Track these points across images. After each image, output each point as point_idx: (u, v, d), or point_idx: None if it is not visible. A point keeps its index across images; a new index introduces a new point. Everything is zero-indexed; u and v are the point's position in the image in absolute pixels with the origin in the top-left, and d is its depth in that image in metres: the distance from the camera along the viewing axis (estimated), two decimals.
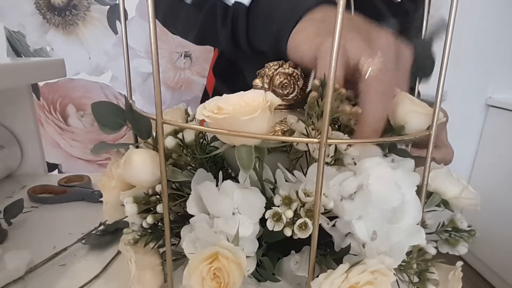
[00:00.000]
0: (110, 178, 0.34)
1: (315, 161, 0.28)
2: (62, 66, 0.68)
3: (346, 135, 0.30)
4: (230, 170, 0.34)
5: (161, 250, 0.35)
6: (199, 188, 0.28)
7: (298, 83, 0.34)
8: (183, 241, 0.29)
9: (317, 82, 0.26)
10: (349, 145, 0.28)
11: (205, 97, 0.81)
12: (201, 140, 0.33)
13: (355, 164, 0.28)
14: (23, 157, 0.73)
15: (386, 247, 0.25)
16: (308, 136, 0.28)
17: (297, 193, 0.25)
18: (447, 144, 0.50)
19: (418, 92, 0.38)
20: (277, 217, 0.25)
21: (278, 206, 0.26)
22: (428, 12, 0.36)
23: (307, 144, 0.29)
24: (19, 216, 0.51)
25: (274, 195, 0.27)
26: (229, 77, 0.72)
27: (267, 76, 0.33)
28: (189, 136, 0.31)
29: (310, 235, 0.24)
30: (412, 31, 0.71)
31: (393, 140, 0.31)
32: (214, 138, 0.33)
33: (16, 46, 1.49)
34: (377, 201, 0.25)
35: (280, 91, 0.33)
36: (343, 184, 0.25)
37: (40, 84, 1.53)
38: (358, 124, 0.29)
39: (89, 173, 0.70)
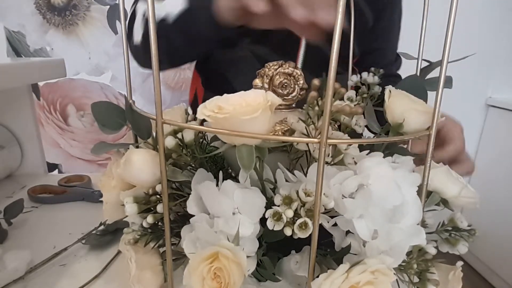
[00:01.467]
0: (110, 178, 0.34)
1: (316, 161, 0.28)
2: (62, 66, 0.68)
3: (346, 135, 0.30)
4: (230, 170, 0.34)
5: (161, 250, 0.35)
6: (199, 188, 0.28)
7: (298, 83, 0.34)
8: (183, 241, 0.29)
9: (317, 82, 0.26)
10: (349, 145, 0.28)
11: (195, 104, 0.82)
12: (201, 140, 0.33)
13: (355, 163, 0.28)
14: (23, 157, 0.73)
15: (387, 246, 0.25)
16: (308, 136, 0.28)
17: (297, 192, 0.25)
18: (468, 158, 0.54)
19: None
20: (277, 217, 0.25)
21: (279, 206, 0.26)
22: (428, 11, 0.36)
23: (307, 144, 0.29)
24: (19, 216, 0.51)
25: (275, 195, 0.27)
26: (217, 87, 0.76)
27: (267, 76, 0.33)
28: (189, 136, 0.31)
29: (310, 235, 0.24)
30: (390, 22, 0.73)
31: (393, 140, 0.31)
32: (214, 138, 0.33)
33: (16, 46, 1.49)
34: (378, 200, 0.25)
35: (280, 91, 0.33)
36: (344, 183, 0.25)
37: (40, 84, 1.53)
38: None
39: (89, 173, 0.70)
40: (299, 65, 0.69)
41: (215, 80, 0.77)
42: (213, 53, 0.75)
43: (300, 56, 0.68)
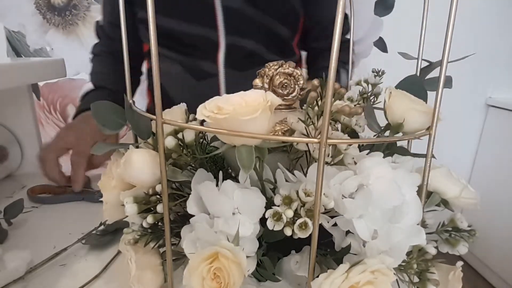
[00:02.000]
0: (110, 178, 0.34)
1: (315, 161, 0.28)
2: (62, 66, 0.68)
3: (346, 135, 0.30)
4: (230, 170, 0.34)
5: (161, 250, 0.34)
6: (199, 188, 0.28)
7: (298, 83, 0.34)
8: (183, 241, 0.29)
9: (316, 82, 0.26)
10: (349, 145, 0.28)
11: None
12: (201, 140, 0.33)
13: (355, 163, 0.28)
14: (23, 157, 0.73)
15: (387, 246, 0.25)
16: (308, 136, 0.28)
17: (297, 192, 0.25)
18: None
19: None
20: (277, 217, 0.25)
21: (279, 206, 0.26)
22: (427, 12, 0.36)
23: (307, 144, 0.29)
24: (19, 216, 0.51)
25: (274, 195, 0.27)
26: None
27: (267, 76, 0.33)
28: (189, 136, 0.31)
29: (310, 235, 0.24)
30: None
31: (392, 140, 0.31)
32: (214, 138, 0.33)
33: (16, 46, 1.49)
34: (378, 200, 0.25)
35: (280, 91, 0.33)
36: (344, 183, 0.25)
37: (40, 84, 1.53)
38: None
39: (89, 173, 0.70)
40: (221, 64, 0.72)
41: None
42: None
43: (220, 57, 0.72)
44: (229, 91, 0.74)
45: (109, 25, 0.80)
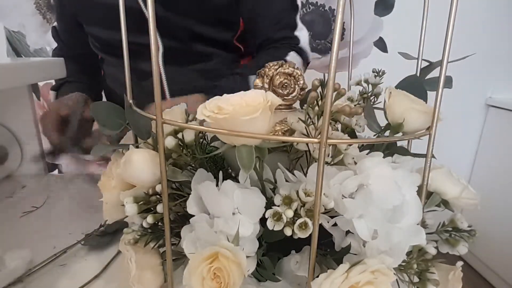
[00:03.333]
0: (110, 178, 0.34)
1: (316, 161, 0.28)
2: (62, 66, 0.68)
3: (346, 135, 0.30)
4: (230, 170, 0.34)
5: (161, 250, 0.35)
6: (199, 188, 0.28)
7: (298, 83, 0.34)
8: (183, 241, 0.29)
9: (316, 82, 0.26)
10: (349, 145, 0.28)
11: None
12: (201, 140, 0.33)
13: (355, 163, 0.28)
14: (23, 157, 0.73)
15: (387, 246, 0.25)
16: (308, 136, 0.28)
17: (297, 193, 0.25)
18: None
19: None
20: (277, 217, 0.25)
21: (278, 206, 0.26)
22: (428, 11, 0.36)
23: (307, 144, 0.29)
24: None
25: (275, 195, 0.27)
26: None
27: (267, 76, 0.33)
28: (189, 136, 0.31)
29: (310, 235, 0.24)
30: None
31: (392, 140, 0.31)
32: (214, 138, 0.33)
33: (16, 46, 1.49)
34: (378, 200, 0.25)
35: (280, 91, 0.33)
36: (344, 183, 0.25)
37: (40, 84, 1.53)
38: None
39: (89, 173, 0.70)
40: (161, 64, 0.73)
41: (108, 91, 0.88)
42: (104, 70, 0.88)
43: (159, 57, 0.74)
44: (171, 86, 0.71)
45: (63, 32, 0.83)
